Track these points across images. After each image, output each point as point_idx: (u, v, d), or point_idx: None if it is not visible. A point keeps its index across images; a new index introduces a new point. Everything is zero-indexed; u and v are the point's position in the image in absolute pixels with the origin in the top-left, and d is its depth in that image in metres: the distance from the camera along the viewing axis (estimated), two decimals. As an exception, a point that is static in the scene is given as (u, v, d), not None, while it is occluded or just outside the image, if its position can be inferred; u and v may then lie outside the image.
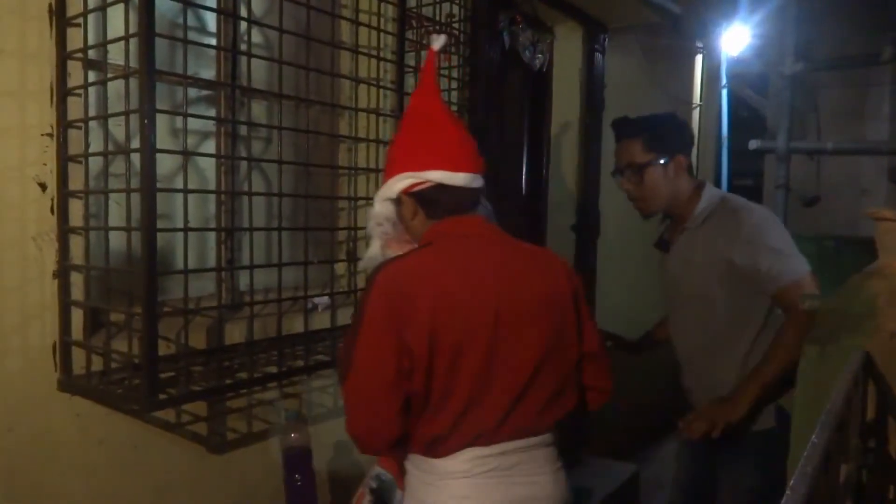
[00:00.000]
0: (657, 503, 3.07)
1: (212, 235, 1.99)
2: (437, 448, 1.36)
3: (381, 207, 1.47)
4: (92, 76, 1.63)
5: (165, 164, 1.79)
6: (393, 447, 1.38)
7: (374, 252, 1.48)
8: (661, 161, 2.00)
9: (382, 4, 2.15)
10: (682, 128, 2.15)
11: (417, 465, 1.41)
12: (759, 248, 1.88)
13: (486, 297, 1.35)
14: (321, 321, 2.13)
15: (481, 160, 1.47)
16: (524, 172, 3.56)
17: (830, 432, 1.01)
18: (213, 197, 2.00)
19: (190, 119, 1.70)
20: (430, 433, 1.35)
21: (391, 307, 1.29)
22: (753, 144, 5.47)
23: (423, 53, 2.35)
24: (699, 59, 5.07)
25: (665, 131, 2.05)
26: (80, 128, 1.61)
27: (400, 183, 1.43)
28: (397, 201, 1.45)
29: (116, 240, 1.63)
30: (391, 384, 1.30)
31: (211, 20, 1.98)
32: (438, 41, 1.49)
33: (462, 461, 1.35)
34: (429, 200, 1.42)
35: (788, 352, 1.82)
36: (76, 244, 1.63)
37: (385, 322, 1.29)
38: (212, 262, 2.00)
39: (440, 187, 1.41)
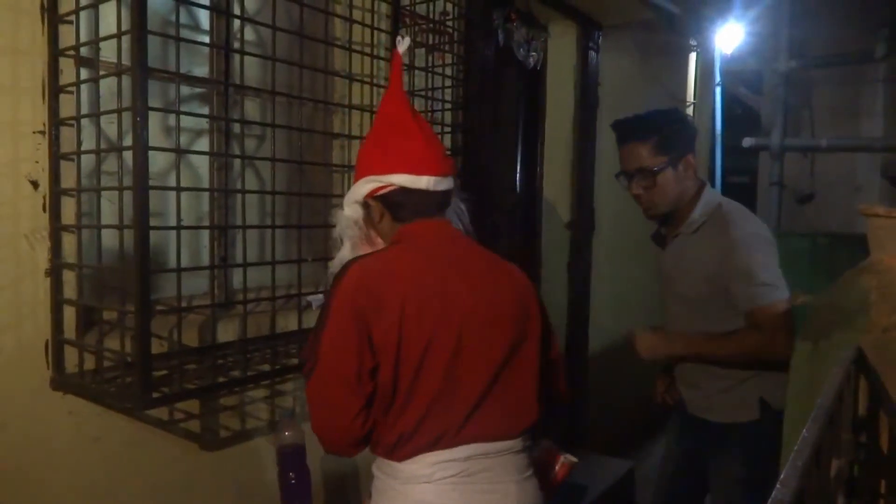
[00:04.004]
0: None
1: (205, 233, 1.99)
2: (401, 450, 1.35)
3: (350, 211, 1.48)
4: (84, 73, 1.62)
5: (158, 162, 1.78)
6: (357, 446, 1.38)
7: (344, 254, 1.48)
8: (673, 163, 1.95)
9: (376, 2, 2.15)
10: (688, 124, 2.11)
11: (382, 469, 1.40)
12: (734, 268, 1.87)
13: (455, 296, 1.35)
14: (315, 319, 2.13)
15: (448, 162, 1.47)
16: (518, 170, 3.56)
17: (821, 427, 1.01)
18: (206, 195, 1.99)
19: (183, 117, 1.70)
20: (395, 433, 1.34)
21: (358, 306, 1.29)
22: (748, 142, 5.48)
23: (417, 51, 2.36)
24: (693, 56, 5.06)
25: (674, 131, 1.99)
26: (72, 125, 1.60)
27: (364, 187, 1.44)
28: (364, 205, 1.47)
29: (109, 238, 1.63)
30: (354, 383, 1.30)
31: (204, 17, 1.98)
32: (403, 44, 1.49)
33: (424, 465, 1.34)
34: (394, 203, 1.43)
35: (737, 350, 1.89)
36: (68, 242, 1.63)
37: (350, 321, 1.29)
38: (205, 260, 1.99)
39: (404, 190, 1.41)
